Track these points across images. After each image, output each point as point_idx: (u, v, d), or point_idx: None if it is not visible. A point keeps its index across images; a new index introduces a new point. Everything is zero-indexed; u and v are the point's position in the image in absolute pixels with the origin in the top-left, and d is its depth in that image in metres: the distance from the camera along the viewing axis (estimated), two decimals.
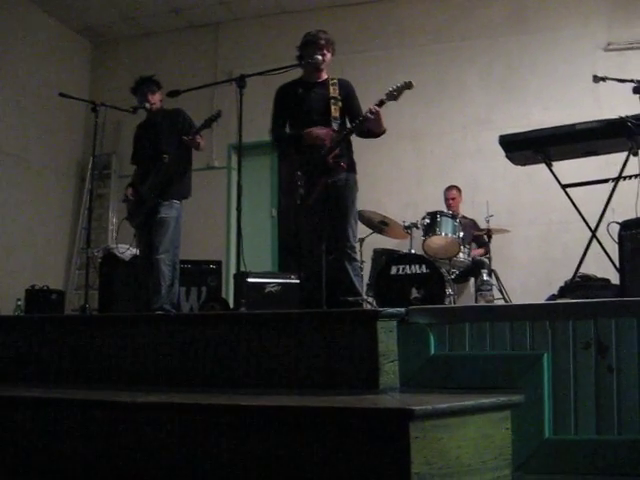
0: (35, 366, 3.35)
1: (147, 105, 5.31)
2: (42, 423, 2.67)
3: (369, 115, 4.25)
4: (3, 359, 3.43)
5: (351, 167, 4.50)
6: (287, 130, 4.61)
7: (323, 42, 4.50)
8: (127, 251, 5.94)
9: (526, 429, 2.46)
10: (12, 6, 7.77)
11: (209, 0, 8.12)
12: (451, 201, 6.72)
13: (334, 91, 4.46)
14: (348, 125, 4.51)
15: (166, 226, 5.04)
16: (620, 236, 3.51)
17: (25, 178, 7.82)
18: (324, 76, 4.58)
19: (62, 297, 7.21)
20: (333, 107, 4.42)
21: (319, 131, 4.36)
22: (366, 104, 4.56)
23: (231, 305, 6.08)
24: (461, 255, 5.94)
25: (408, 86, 4.24)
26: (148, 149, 5.25)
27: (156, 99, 5.38)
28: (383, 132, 4.46)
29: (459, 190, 6.84)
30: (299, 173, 4.41)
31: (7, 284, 7.16)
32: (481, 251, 6.53)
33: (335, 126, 4.39)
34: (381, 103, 4.28)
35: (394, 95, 4.27)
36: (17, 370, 3.38)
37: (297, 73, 4.65)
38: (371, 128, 4.39)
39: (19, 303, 6.82)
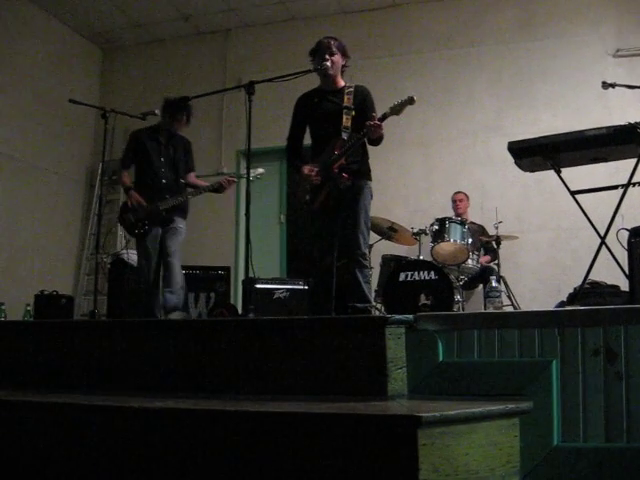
0: (44, 371, 3.36)
1: (173, 128, 5.47)
2: (49, 428, 2.68)
3: (371, 129, 4.28)
4: (13, 364, 3.44)
5: (364, 174, 4.51)
6: (305, 136, 4.71)
7: (328, 47, 4.52)
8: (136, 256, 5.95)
9: (535, 436, 2.45)
10: (22, 13, 7.84)
11: (218, 7, 8.16)
12: (458, 203, 6.73)
13: (348, 100, 4.48)
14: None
15: (180, 235, 5.36)
16: (629, 243, 3.50)
17: (35, 184, 7.86)
18: (341, 84, 4.59)
19: (71, 302, 7.22)
20: (345, 117, 4.43)
21: (309, 172, 4.43)
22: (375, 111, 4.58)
23: (240, 311, 6.09)
24: (470, 261, 5.94)
25: (410, 102, 4.26)
26: (159, 166, 5.37)
27: (181, 125, 5.53)
28: (381, 139, 4.47)
29: (466, 195, 6.85)
30: (305, 181, 4.47)
31: (17, 289, 7.20)
32: (488, 258, 6.52)
33: (345, 136, 4.40)
34: (384, 117, 4.30)
35: (397, 110, 4.29)
36: (26, 375, 3.39)
37: (310, 81, 4.67)
38: (371, 138, 4.41)
39: (28, 308, 6.84)
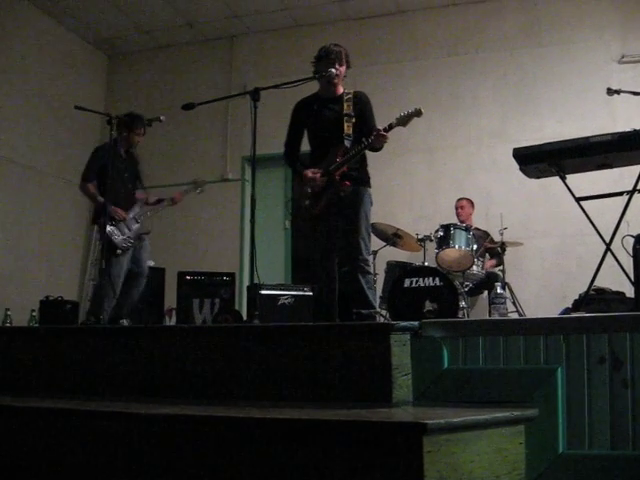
0: (49, 377, 3.36)
1: (135, 142, 5.69)
2: (54, 434, 2.68)
3: (378, 138, 4.29)
4: (18, 369, 3.45)
5: (364, 181, 4.52)
6: (303, 142, 4.73)
7: (336, 55, 4.52)
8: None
9: (540, 444, 2.44)
10: (28, 19, 7.87)
11: (223, 14, 8.18)
12: (460, 210, 6.74)
13: (348, 107, 4.49)
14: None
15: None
16: (635, 249, 3.49)
17: (40, 190, 7.88)
18: (340, 90, 4.60)
19: (76, 308, 7.23)
20: (346, 124, 4.45)
21: (312, 177, 4.45)
22: (379, 117, 4.59)
23: (244, 317, 6.09)
24: (474, 268, 5.93)
25: (418, 114, 4.27)
26: (123, 180, 5.58)
27: (140, 139, 5.76)
28: (383, 146, 4.49)
29: (469, 201, 6.85)
30: (305, 187, 4.48)
31: (22, 295, 7.21)
32: (493, 262, 6.52)
33: (347, 143, 4.41)
34: (390, 127, 4.31)
35: (404, 121, 4.30)
36: (31, 380, 3.39)
37: (313, 87, 4.68)
38: (375, 146, 4.42)
39: (34, 314, 6.86)
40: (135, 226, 5.48)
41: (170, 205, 5.76)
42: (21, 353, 3.49)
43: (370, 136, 4.37)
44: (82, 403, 2.90)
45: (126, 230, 5.41)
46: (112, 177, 5.27)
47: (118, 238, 5.36)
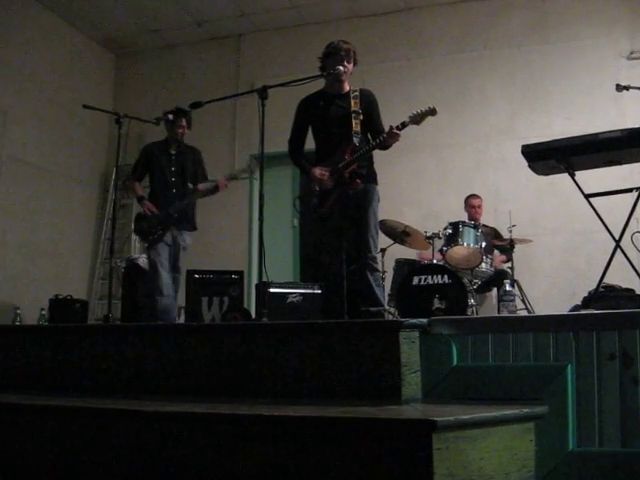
0: (58, 375, 3.38)
1: (179, 137, 5.76)
2: (64, 432, 2.69)
3: (390, 137, 4.29)
4: (26, 368, 3.46)
5: (371, 178, 4.52)
6: (306, 139, 4.74)
7: (345, 52, 4.51)
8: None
9: (550, 441, 2.43)
10: (36, 18, 7.89)
11: (231, 12, 8.19)
12: (477, 209, 6.69)
13: (355, 104, 4.48)
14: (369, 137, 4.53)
15: (186, 252, 5.73)
16: None
17: (49, 188, 7.91)
18: (346, 88, 4.59)
19: (85, 307, 7.27)
20: (354, 122, 4.44)
21: (320, 175, 4.44)
22: (387, 115, 4.58)
23: (253, 315, 6.09)
24: (483, 265, 5.91)
25: (432, 112, 4.26)
26: (169, 176, 5.66)
27: (186, 132, 5.83)
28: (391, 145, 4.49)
29: (482, 199, 6.82)
30: (313, 184, 4.47)
31: (31, 293, 7.25)
32: (504, 258, 6.50)
33: (356, 141, 4.40)
34: (403, 126, 4.30)
35: (417, 119, 4.29)
36: (40, 379, 3.41)
37: (319, 84, 4.67)
38: (386, 145, 4.42)
39: (43, 312, 6.88)
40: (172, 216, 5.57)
41: (214, 192, 5.71)
42: (30, 352, 3.50)
43: (379, 134, 4.37)
44: (89, 401, 2.91)
45: (154, 221, 5.53)
46: (157, 173, 5.63)
47: (142, 229, 5.60)
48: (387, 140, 4.32)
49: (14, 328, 5.11)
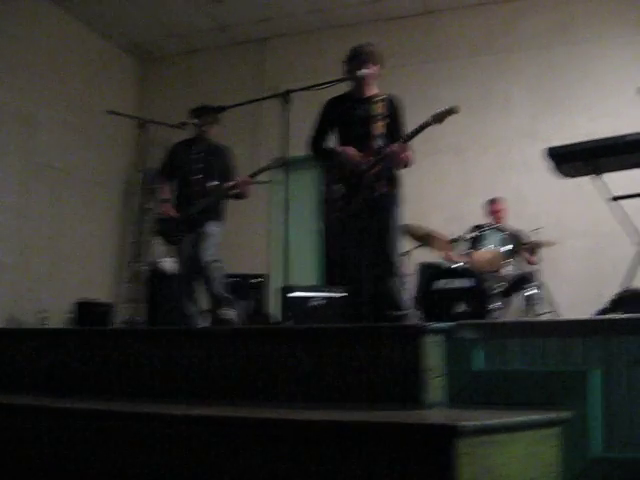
0: (84, 378, 3.40)
1: (206, 134, 5.61)
2: (90, 435, 2.71)
3: (393, 157, 4.31)
4: (54, 371, 3.50)
5: (395, 182, 4.50)
6: (329, 144, 4.67)
7: (367, 56, 4.51)
8: (173, 264, 6.02)
9: (575, 446, 2.41)
10: (61, 26, 7.98)
11: (255, 17, 8.23)
12: (501, 212, 6.64)
13: (381, 108, 4.46)
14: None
15: (212, 238, 5.38)
16: None
17: (74, 193, 7.99)
18: (373, 91, 4.58)
19: (111, 310, 7.33)
20: (378, 124, 4.43)
21: (353, 153, 4.40)
22: (409, 118, 4.56)
23: (277, 319, 6.11)
24: (509, 268, 5.87)
25: (454, 111, 4.24)
26: (194, 175, 5.49)
27: (214, 130, 5.68)
28: (406, 164, 4.50)
29: (502, 202, 6.78)
30: (335, 187, 4.46)
31: (58, 297, 7.32)
32: (534, 259, 6.42)
33: (381, 143, 4.39)
34: (425, 125, 4.28)
35: (439, 118, 4.27)
36: (68, 381, 3.44)
37: (345, 88, 4.67)
38: (395, 167, 4.45)
39: (70, 316, 6.95)
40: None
41: (238, 195, 5.61)
42: (57, 355, 3.53)
43: (402, 137, 4.36)
44: (115, 404, 2.93)
45: (172, 224, 5.42)
46: (182, 172, 5.48)
47: (161, 232, 5.47)
48: (393, 162, 4.36)
49: (43, 331, 5.16)
